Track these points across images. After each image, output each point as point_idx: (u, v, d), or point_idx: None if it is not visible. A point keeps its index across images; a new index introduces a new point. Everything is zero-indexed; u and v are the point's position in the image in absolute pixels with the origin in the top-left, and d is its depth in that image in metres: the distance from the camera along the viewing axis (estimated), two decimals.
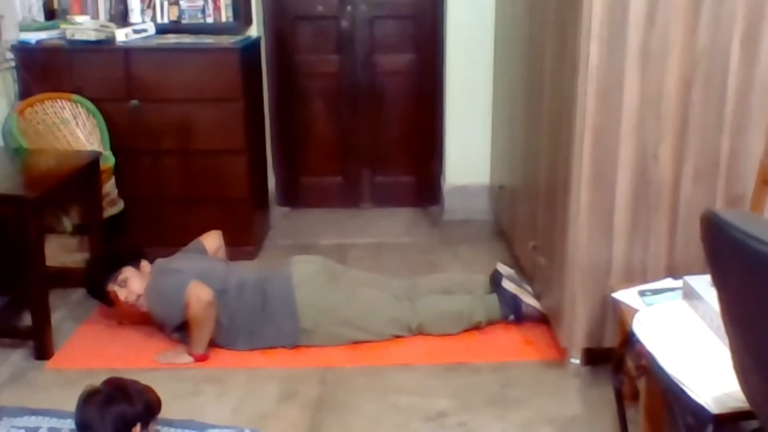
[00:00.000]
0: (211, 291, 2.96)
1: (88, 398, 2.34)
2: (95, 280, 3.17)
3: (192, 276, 3.00)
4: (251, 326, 3.08)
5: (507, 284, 3.22)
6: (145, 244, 3.53)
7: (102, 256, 3.33)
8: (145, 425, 2.36)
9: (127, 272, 3.12)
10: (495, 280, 3.29)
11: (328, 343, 3.10)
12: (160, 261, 3.21)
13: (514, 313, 3.21)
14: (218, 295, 3.02)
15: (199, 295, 2.94)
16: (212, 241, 3.40)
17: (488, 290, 3.29)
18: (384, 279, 3.36)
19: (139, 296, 3.10)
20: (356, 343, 3.12)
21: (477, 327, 3.20)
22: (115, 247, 3.50)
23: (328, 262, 3.33)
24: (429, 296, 3.23)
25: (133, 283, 3.11)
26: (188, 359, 3.01)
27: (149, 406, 2.39)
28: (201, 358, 3.01)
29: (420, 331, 3.16)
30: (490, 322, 3.22)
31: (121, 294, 3.11)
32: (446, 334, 3.17)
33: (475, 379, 2.89)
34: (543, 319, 3.16)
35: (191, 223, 3.65)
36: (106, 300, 3.18)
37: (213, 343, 3.07)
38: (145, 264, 3.19)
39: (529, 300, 3.19)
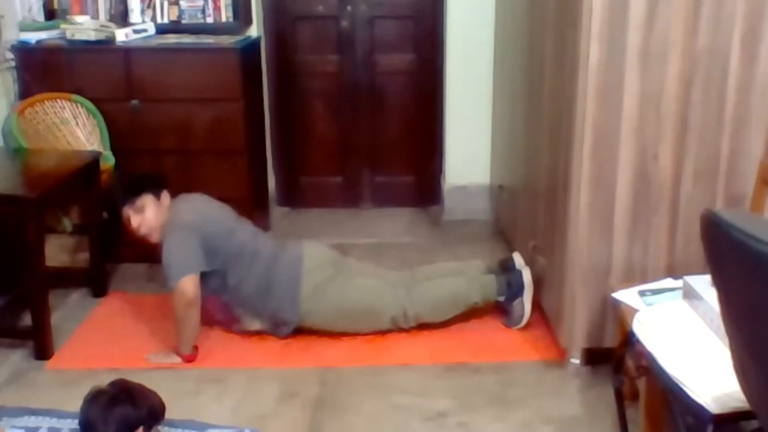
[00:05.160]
0: (197, 292, 2.95)
1: (94, 398, 2.34)
2: (115, 202, 3.17)
3: (198, 265, 2.97)
4: (253, 301, 3.10)
5: (525, 274, 3.20)
6: (145, 243, 3.53)
7: (126, 178, 3.33)
8: (147, 429, 2.36)
9: (146, 200, 3.10)
10: (507, 264, 3.27)
11: (323, 328, 3.13)
12: (183, 200, 3.16)
13: (507, 297, 3.20)
14: (234, 255, 3.06)
15: (183, 291, 2.93)
16: None
17: (488, 271, 3.28)
18: (381, 270, 3.36)
19: (151, 227, 3.08)
20: (353, 335, 3.15)
21: (473, 308, 3.21)
22: (141, 173, 3.47)
23: (333, 251, 3.33)
24: (424, 282, 3.23)
25: (148, 212, 3.09)
26: (177, 360, 3.01)
27: (153, 410, 2.39)
28: (189, 359, 3.01)
29: (417, 321, 3.17)
30: (486, 301, 3.23)
31: (135, 220, 3.09)
32: (443, 320, 3.19)
33: (475, 379, 2.89)
34: (517, 327, 3.19)
35: None
36: (121, 223, 3.18)
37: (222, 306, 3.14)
38: (165, 195, 3.15)
39: (527, 302, 3.18)
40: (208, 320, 3.17)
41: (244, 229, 3.20)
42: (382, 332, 3.19)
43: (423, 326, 3.22)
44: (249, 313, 3.16)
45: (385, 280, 3.24)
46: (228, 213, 3.24)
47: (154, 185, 3.16)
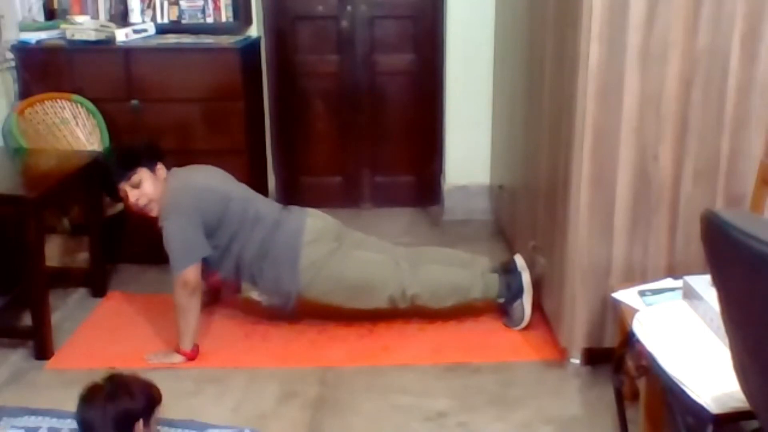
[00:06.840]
0: (199, 280, 2.98)
1: (90, 396, 2.31)
2: (109, 177, 3.15)
3: (201, 252, 3.00)
4: (254, 268, 3.10)
5: (524, 276, 3.19)
6: (145, 244, 3.53)
7: (120, 152, 3.28)
8: (147, 422, 2.35)
9: (142, 174, 3.07)
10: (509, 266, 3.27)
11: (322, 301, 3.15)
12: (178, 177, 3.13)
13: (507, 300, 3.21)
14: (236, 222, 3.06)
15: (186, 280, 2.94)
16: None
17: (492, 270, 3.28)
18: (386, 244, 3.36)
19: (150, 200, 3.07)
20: (349, 309, 3.18)
21: (470, 304, 3.22)
22: (133, 143, 3.39)
23: (338, 223, 3.31)
24: (430, 264, 3.22)
25: (146, 187, 3.06)
26: (178, 359, 3.01)
27: (151, 400, 2.37)
28: (189, 356, 3.01)
29: (413, 302, 3.16)
30: (485, 300, 3.23)
31: (132, 195, 3.07)
32: (438, 308, 3.19)
33: (475, 379, 2.89)
34: (517, 328, 3.19)
35: None
36: (118, 198, 3.18)
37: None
38: (161, 168, 3.13)
39: (526, 304, 3.18)
40: (212, 285, 3.29)
41: (242, 195, 3.18)
42: (380, 311, 3.19)
43: (423, 326, 3.23)
44: (249, 281, 3.17)
45: (388, 254, 3.23)
46: (223, 180, 3.22)
47: (149, 158, 3.12)
